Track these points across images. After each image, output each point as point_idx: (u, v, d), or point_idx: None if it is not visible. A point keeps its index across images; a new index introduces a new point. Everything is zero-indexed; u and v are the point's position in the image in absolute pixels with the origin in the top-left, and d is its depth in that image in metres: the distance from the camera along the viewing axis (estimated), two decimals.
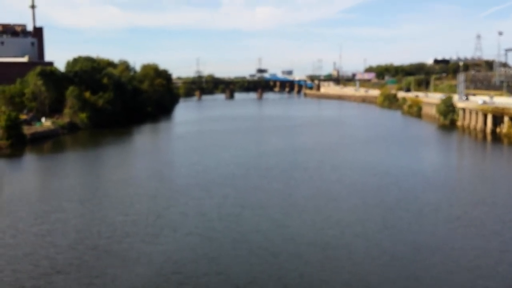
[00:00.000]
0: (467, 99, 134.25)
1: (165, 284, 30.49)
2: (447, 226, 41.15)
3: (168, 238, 39.20)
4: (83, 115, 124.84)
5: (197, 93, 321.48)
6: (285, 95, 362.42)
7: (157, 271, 32.49)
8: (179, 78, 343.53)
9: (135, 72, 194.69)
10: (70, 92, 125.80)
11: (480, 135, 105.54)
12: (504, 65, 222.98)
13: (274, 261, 33.85)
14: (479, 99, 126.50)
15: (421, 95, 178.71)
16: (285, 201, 50.25)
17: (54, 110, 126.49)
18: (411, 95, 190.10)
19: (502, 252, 34.96)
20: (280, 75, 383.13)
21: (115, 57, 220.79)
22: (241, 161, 74.88)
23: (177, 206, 49.03)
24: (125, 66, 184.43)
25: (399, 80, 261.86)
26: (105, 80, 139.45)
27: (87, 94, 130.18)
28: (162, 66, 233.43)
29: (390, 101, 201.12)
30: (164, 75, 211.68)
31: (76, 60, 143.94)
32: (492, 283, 29.98)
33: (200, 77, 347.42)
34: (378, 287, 29.65)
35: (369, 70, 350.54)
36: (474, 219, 43.21)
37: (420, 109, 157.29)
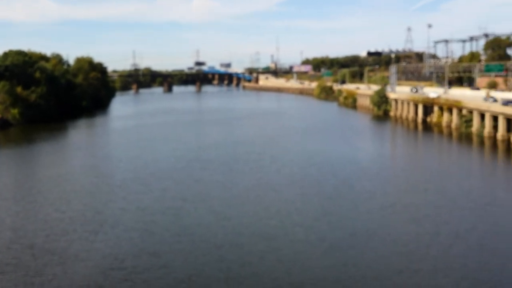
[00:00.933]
0: (416, 91, 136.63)
1: (106, 281, 30.11)
2: (382, 213, 42.85)
3: (108, 234, 38.62)
4: (15, 111, 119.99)
5: (134, 86, 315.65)
6: (224, 88, 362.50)
7: (97, 268, 32.00)
8: (115, 72, 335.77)
9: (68, 65, 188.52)
10: (1, 87, 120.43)
11: (412, 125, 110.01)
12: (434, 56, 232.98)
13: (216, 253, 34.14)
14: (431, 92, 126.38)
15: (362, 87, 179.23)
16: (226, 193, 50.60)
17: None
18: (352, 87, 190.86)
19: (434, 236, 36.86)
20: (218, 68, 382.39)
21: (48, 51, 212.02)
22: (181, 154, 74.54)
23: (116, 201, 48.27)
24: (58, 59, 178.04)
25: (335, 72, 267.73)
26: (37, 74, 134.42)
27: (19, 89, 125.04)
28: (97, 59, 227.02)
29: (327, 93, 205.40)
30: (99, 68, 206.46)
31: (6, 54, 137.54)
32: (425, 265, 31.59)
33: (136, 70, 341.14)
34: (318, 273, 30.58)
35: (305, 62, 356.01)
36: (407, 205, 45.22)
37: (355, 100, 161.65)
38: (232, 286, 29.03)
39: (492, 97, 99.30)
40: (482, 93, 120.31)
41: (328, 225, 39.68)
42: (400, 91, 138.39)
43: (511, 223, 39.68)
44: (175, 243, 36.30)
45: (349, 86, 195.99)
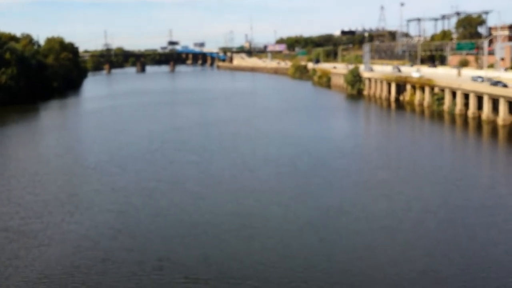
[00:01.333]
0: (399, 71, 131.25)
1: (83, 262, 30.08)
2: (356, 190, 43.58)
3: (83, 216, 38.45)
4: None
5: (106, 66, 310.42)
6: (198, 68, 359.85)
7: (74, 250, 31.91)
8: (86, 52, 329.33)
9: (39, 46, 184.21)
10: None
11: (385, 103, 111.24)
12: (406, 35, 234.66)
13: (193, 233, 34.36)
14: (413, 71, 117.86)
15: (340, 67, 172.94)
16: (201, 173, 50.69)
17: None
18: (329, 66, 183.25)
19: (406, 211, 37.72)
20: (192, 48, 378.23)
21: (17, 31, 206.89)
22: (156, 136, 74.16)
23: (90, 183, 47.96)
24: (28, 40, 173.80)
25: (309, 51, 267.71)
26: (7, 55, 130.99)
27: None
28: (68, 39, 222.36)
29: (301, 72, 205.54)
30: (70, 49, 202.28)
31: None
32: (398, 240, 32.39)
33: (108, 50, 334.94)
34: (294, 250, 31.07)
35: (280, 41, 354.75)
36: (380, 182, 46.02)
37: (329, 79, 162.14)
38: (209, 264, 29.34)
39: (480, 77, 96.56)
40: (450, 71, 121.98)
41: (303, 203, 40.20)
42: (382, 71, 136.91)
43: (479, 198, 40.81)
44: (151, 223, 36.39)
45: (326, 66, 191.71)
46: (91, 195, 43.81)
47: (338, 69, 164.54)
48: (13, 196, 44.07)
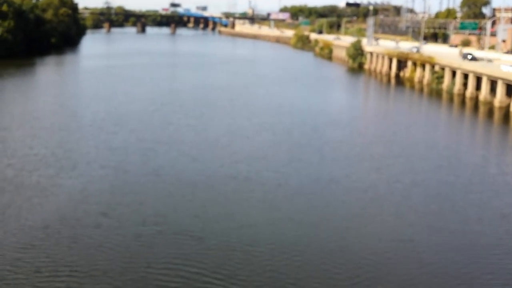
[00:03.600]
0: (418, 51, 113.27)
1: (82, 215, 30.70)
2: (348, 161, 44.18)
3: (82, 171, 38.96)
4: None
5: (106, 25, 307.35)
6: (200, 32, 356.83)
7: (69, 203, 32.54)
8: (86, 9, 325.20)
9: (37, 0, 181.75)
10: None
11: (385, 79, 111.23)
12: (411, 11, 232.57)
13: (189, 192, 35.03)
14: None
15: (349, 40, 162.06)
16: (198, 136, 51.16)
17: None
18: (347, 40, 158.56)
19: (393, 183, 38.40)
20: (194, 11, 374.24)
21: None
22: (154, 97, 74.32)
23: (88, 140, 48.35)
24: None
25: (312, 21, 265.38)
26: (4, 8, 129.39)
27: None
28: None
29: (303, 42, 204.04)
30: (70, 5, 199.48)
31: None
32: (384, 209, 33.15)
33: (109, 8, 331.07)
34: (285, 212, 31.83)
35: (284, 10, 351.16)
36: (372, 154, 46.65)
37: (331, 51, 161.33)
38: (204, 222, 30.08)
39: None
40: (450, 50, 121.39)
41: (296, 170, 40.82)
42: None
43: (468, 175, 41.57)
44: (148, 182, 36.96)
45: (344, 39, 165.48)
46: (89, 151, 44.25)
47: (348, 41, 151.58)
48: (9, 149, 44.41)
